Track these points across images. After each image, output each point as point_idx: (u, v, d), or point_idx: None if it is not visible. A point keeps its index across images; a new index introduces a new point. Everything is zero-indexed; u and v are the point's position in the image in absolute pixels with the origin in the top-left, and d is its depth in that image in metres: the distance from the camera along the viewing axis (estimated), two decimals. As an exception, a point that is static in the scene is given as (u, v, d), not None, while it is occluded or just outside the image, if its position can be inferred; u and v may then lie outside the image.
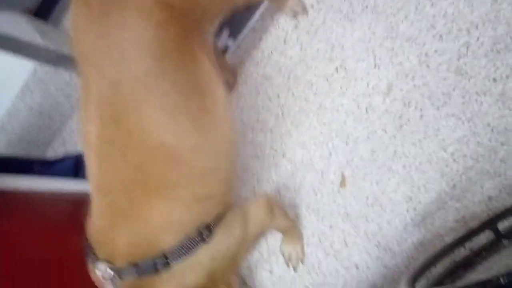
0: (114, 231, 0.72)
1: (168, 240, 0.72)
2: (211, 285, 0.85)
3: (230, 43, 1.37)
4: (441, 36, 1.09)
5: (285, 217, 1.14)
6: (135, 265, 0.70)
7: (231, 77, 1.39)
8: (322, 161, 1.30)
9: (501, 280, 0.48)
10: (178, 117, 0.71)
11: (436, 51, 1.10)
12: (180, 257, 0.72)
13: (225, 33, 1.38)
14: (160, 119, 0.69)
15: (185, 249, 0.72)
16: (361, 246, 1.24)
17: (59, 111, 1.74)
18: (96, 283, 0.79)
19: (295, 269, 1.33)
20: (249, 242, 0.91)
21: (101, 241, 0.75)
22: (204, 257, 0.76)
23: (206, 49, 0.80)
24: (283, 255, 1.32)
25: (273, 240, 1.38)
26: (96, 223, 0.75)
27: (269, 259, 1.39)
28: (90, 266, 0.79)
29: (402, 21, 1.14)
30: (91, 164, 0.73)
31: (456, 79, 1.09)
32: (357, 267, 1.24)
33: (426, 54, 1.11)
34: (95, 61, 0.68)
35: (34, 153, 1.76)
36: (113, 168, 0.70)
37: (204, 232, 0.75)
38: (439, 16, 1.11)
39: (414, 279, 0.86)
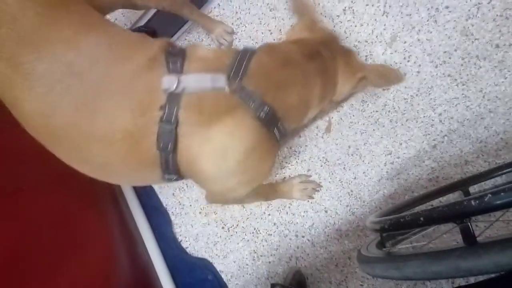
0: None
1: None
2: None
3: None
4: (455, -8, 1.07)
5: None
6: None
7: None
8: (312, 105, 1.29)
9: (472, 202, 0.50)
10: None
11: (447, 7, 1.08)
12: None
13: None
14: None
15: None
16: (333, 192, 1.27)
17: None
18: None
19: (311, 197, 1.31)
20: None
21: None
22: None
23: None
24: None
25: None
26: None
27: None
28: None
29: (420, -28, 1.11)
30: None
31: (460, 40, 1.08)
32: (326, 211, 1.28)
33: (437, 9, 1.09)
34: None
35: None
36: None
37: None
38: (457, -28, 1.08)
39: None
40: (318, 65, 0.87)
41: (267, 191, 1.25)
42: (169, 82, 0.71)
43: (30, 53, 0.67)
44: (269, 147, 0.83)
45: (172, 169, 0.77)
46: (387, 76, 1.00)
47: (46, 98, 0.69)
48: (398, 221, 0.62)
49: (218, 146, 0.75)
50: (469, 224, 0.51)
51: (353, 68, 0.95)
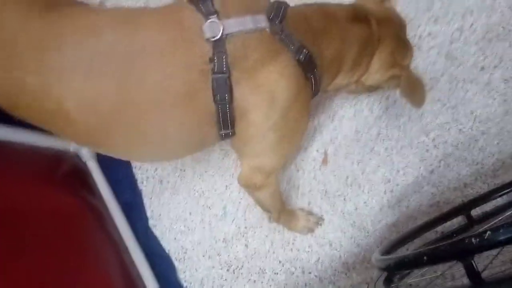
0: None
1: None
2: None
3: None
4: (436, 19, 1.10)
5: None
6: None
7: None
8: (307, 138, 1.30)
9: (473, 240, 0.49)
10: None
11: (429, 33, 1.11)
12: None
13: None
14: None
15: None
16: (336, 224, 1.25)
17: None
18: None
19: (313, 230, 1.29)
20: None
21: None
22: None
23: None
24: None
25: (251, 215, 1.38)
26: None
27: (245, 233, 1.38)
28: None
29: None
30: None
31: (445, 64, 1.10)
32: (330, 245, 1.26)
33: (420, 37, 1.12)
34: None
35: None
36: None
37: None
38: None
39: (385, 253, 0.87)
40: (359, 32, 0.82)
41: (283, 204, 1.18)
42: (212, 29, 0.67)
43: (51, 51, 0.65)
44: (307, 96, 0.81)
45: (230, 121, 0.74)
46: (415, 92, 0.91)
47: (86, 87, 0.66)
48: (402, 261, 0.61)
49: (267, 94, 0.72)
50: (472, 262, 0.50)
51: (394, 61, 0.89)
